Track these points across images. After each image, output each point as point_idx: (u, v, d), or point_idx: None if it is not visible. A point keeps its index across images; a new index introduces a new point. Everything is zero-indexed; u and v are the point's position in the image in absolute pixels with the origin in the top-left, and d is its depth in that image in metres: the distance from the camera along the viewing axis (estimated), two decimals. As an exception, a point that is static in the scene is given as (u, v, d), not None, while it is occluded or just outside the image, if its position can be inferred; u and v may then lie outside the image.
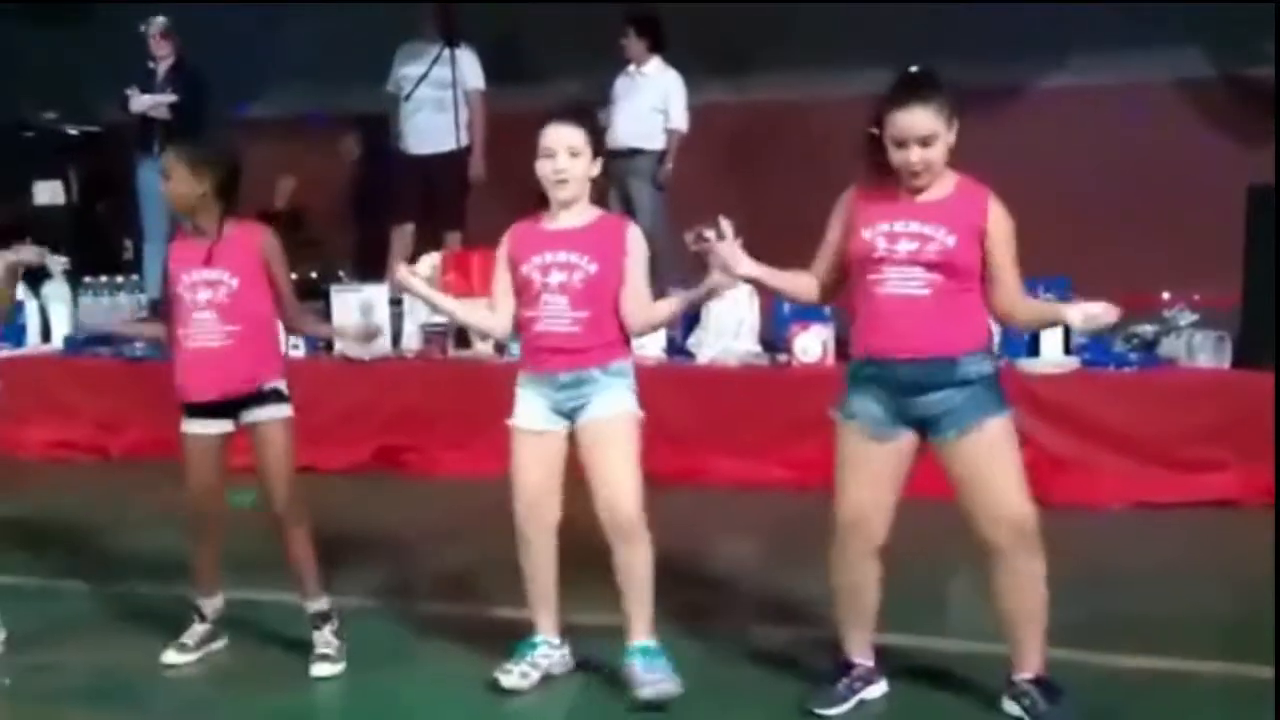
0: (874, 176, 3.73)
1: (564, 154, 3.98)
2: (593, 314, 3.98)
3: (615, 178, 8.94)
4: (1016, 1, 8.78)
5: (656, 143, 8.87)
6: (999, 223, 3.70)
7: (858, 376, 3.82)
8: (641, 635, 4.06)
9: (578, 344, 3.98)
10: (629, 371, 4.07)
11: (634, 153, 8.85)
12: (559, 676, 4.20)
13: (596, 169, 4.07)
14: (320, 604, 4.43)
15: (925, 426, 3.75)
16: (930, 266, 3.65)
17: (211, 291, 4.31)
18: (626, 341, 4.09)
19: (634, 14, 8.88)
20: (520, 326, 4.12)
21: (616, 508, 3.96)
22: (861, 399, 3.79)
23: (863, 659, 3.97)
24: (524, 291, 4.06)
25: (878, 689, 3.99)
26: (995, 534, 3.71)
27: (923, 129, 3.62)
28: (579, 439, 4.04)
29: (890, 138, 3.66)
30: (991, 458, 3.70)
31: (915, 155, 3.63)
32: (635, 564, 4.00)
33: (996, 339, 3.82)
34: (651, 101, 8.85)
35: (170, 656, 4.47)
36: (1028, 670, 3.80)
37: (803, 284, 3.99)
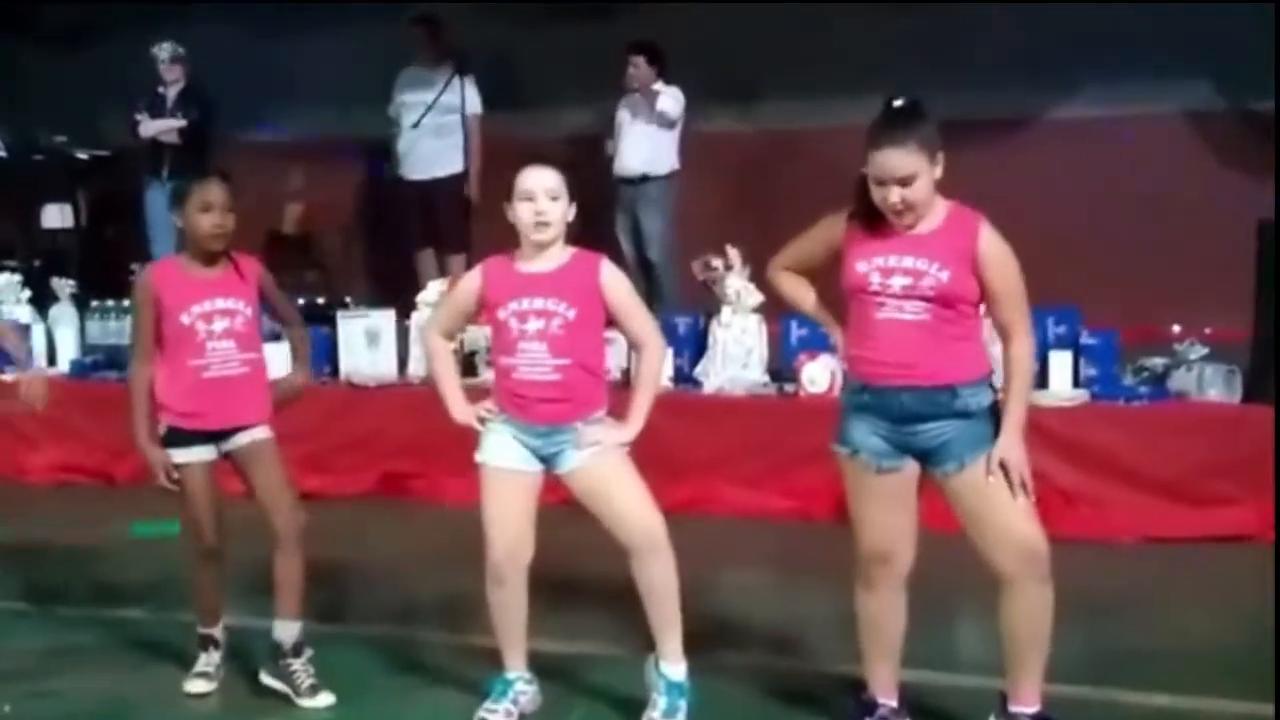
0: (865, 214, 3.68)
1: (544, 197, 3.95)
2: (573, 361, 3.94)
3: (624, 205, 8.96)
4: (1030, 29, 8.79)
5: (664, 168, 8.88)
6: (991, 249, 3.61)
7: (854, 404, 3.78)
8: (672, 660, 4.02)
9: (558, 393, 3.94)
10: (604, 419, 4.04)
11: (643, 179, 8.86)
12: (532, 714, 4.16)
13: (572, 213, 4.02)
14: (294, 629, 4.35)
15: (925, 457, 3.71)
16: (925, 300, 3.62)
17: (229, 320, 4.32)
18: (603, 388, 4.05)
19: (641, 42, 8.89)
20: (496, 370, 4.09)
21: (635, 526, 3.94)
22: (861, 430, 3.74)
23: (886, 698, 3.90)
24: (499, 335, 4.02)
25: None
26: (1005, 562, 3.66)
27: (901, 170, 3.56)
28: (572, 486, 4.01)
29: (871, 177, 3.61)
30: (997, 487, 3.65)
31: (895, 196, 3.58)
32: (663, 580, 3.97)
33: (998, 371, 3.74)
34: (658, 126, 8.85)
35: (197, 686, 4.43)
36: (1026, 703, 3.74)
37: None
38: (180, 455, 4.35)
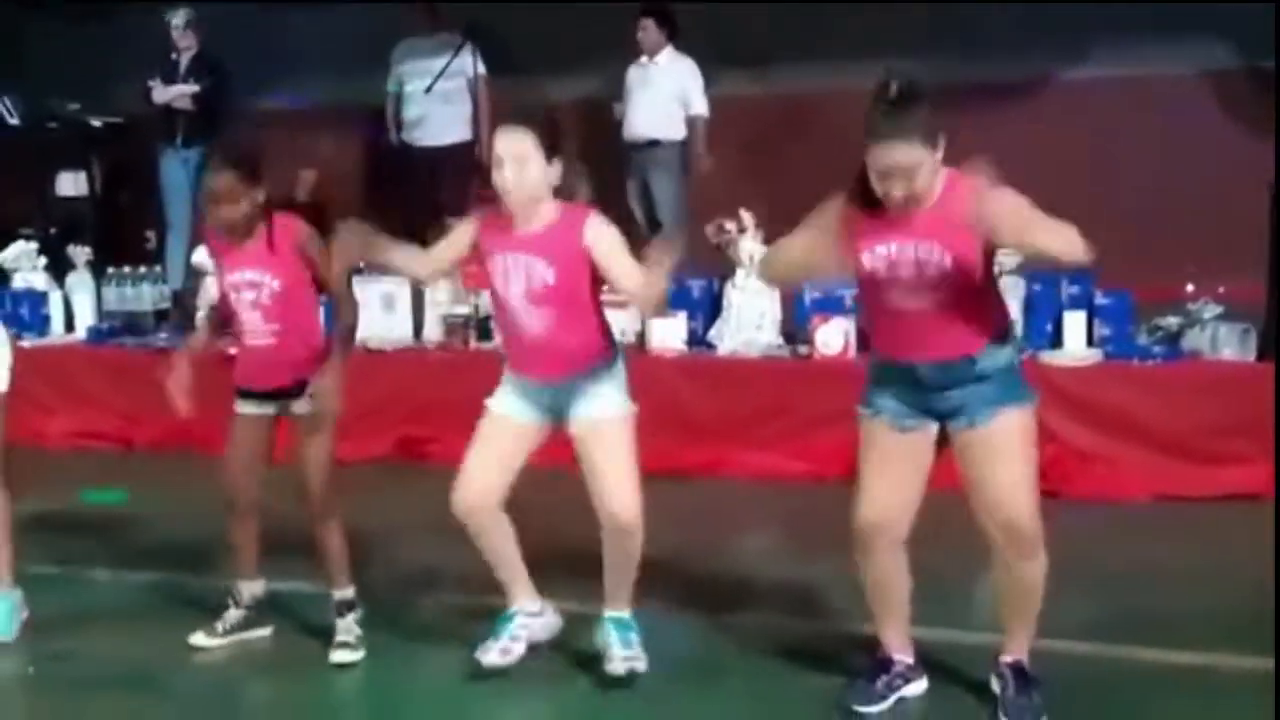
0: (864, 200, 3.62)
1: (510, 162, 3.91)
2: (562, 317, 3.95)
3: (635, 170, 8.96)
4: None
5: (675, 133, 8.86)
6: (989, 207, 3.44)
7: (879, 375, 3.80)
8: (619, 606, 4.12)
9: (553, 350, 3.96)
10: (615, 369, 4.05)
11: (653, 144, 8.86)
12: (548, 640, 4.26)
13: (556, 169, 3.96)
14: (346, 593, 4.46)
15: (945, 418, 3.73)
16: (935, 284, 3.60)
17: (255, 292, 4.35)
18: (608, 340, 4.06)
19: (651, 5, 8.87)
20: (497, 326, 4.14)
21: (611, 506, 3.97)
22: (884, 394, 3.77)
23: (902, 655, 3.95)
24: (495, 293, 4.05)
25: (918, 686, 3.96)
26: (991, 530, 3.69)
27: (905, 163, 3.47)
28: (572, 436, 4.05)
29: (872, 168, 3.53)
30: (996, 454, 3.65)
31: (898, 189, 3.50)
32: (627, 552, 4.05)
33: (1019, 329, 3.72)
34: (669, 91, 8.84)
35: (198, 639, 4.51)
36: (1010, 654, 3.80)
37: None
38: (238, 405, 4.46)
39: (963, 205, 3.50)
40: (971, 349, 3.64)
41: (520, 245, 3.96)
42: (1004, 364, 3.69)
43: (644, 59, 8.92)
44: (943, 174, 3.60)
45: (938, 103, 3.56)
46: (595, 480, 3.99)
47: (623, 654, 4.07)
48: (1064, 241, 3.49)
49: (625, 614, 4.13)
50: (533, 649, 4.25)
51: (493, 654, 4.16)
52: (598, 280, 4.01)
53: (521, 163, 3.91)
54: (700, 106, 8.82)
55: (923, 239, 3.57)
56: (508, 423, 4.09)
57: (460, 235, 4.15)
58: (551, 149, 3.95)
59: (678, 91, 8.83)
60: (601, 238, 3.95)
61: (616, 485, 3.96)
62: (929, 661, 4.03)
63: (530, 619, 4.23)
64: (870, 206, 3.61)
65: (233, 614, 4.57)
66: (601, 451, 3.99)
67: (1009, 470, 3.65)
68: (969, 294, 3.62)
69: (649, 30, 8.83)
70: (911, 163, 3.48)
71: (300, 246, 4.38)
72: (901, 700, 3.92)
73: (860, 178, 3.61)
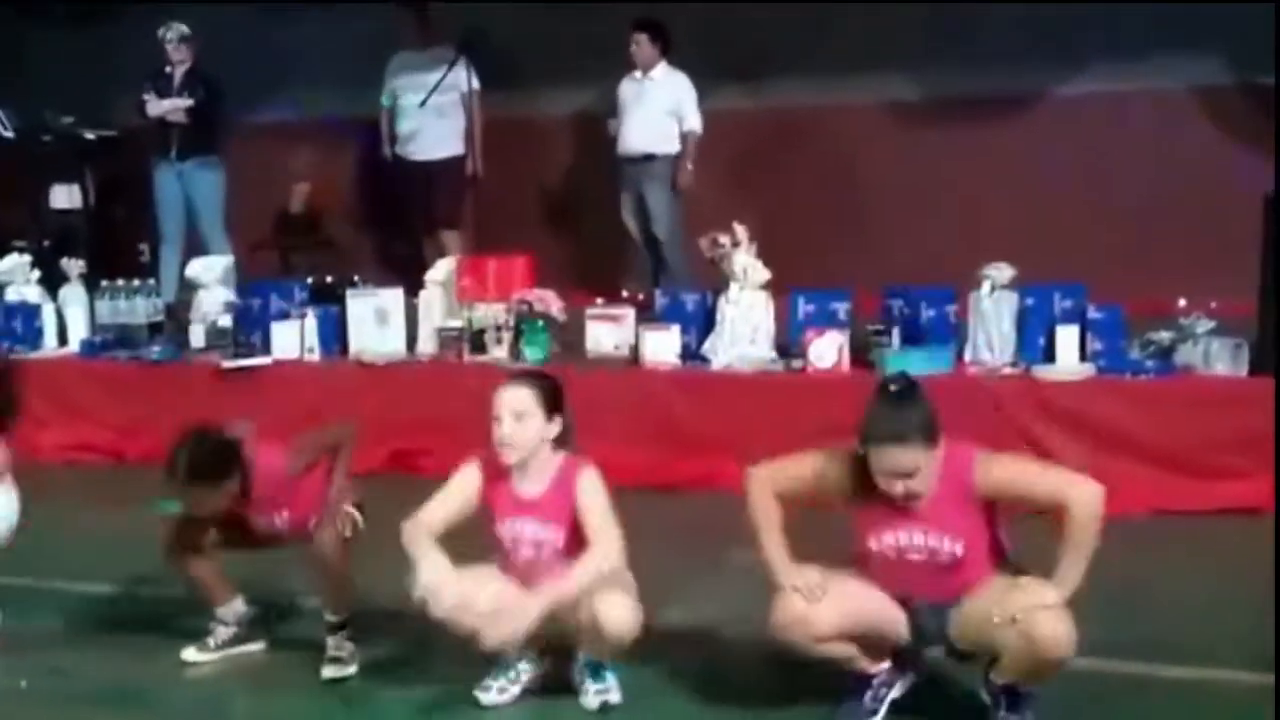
0: (869, 492, 3.70)
1: (509, 419, 3.95)
2: (564, 568, 3.94)
3: (629, 184, 8.97)
4: (1036, 3, 8.77)
5: (670, 147, 8.88)
6: (989, 481, 3.65)
7: None
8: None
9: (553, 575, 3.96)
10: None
11: (648, 158, 8.87)
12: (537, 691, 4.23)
13: (555, 428, 4.02)
14: (328, 614, 4.45)
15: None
16: (946, 566, 3.71)
17: None
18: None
19: (645, 20, 8.88)
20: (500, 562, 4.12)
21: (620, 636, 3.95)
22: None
23: (881, 664, 3.95)
24: (498, 546, 4.10)
25: (903, 684, 3.97)
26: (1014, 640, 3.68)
27: (905, 466, 3.59)
28: None
29: (874, 467, 3.64)
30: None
31: (899, 488, 3.63)
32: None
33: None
34: (663, 106, 8.85)
35: (189, 654, 4.52)
36: (1003, 678, 3.77)
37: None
38: None
39: (965, 479, 3.65)
40: (961, 594, 3.75)
41: (528, 510, 4.03)
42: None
43: (638, 74, 8.93)
44: (939, 456, 3.66)
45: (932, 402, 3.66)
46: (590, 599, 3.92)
47: (595, 687, 4.08)
48: (1087, 510, 3.62)
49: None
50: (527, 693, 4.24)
51: (491, 693, 4.17)
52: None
53: (520, 418, 3.96)
54: (694, 122, 8.84)
55: (932, 528, 3.68)
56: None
57: (463, 488, 4.13)
58: (552, 408, 4.01)
59: (672, 106, 8.85)
60: (589, 492, 3.98)
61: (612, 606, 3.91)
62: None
63: (531, 665, 4.22)
64: (874, 492, 3.69)
65: (223, 631, 4.57)
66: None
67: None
68: (969, 559, 3.71)
69: (643, 45, 8.85)
70: (912, 465, 3.59)
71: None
72: (893, 704, 3.92)
73: (862, 478, 3.69)
